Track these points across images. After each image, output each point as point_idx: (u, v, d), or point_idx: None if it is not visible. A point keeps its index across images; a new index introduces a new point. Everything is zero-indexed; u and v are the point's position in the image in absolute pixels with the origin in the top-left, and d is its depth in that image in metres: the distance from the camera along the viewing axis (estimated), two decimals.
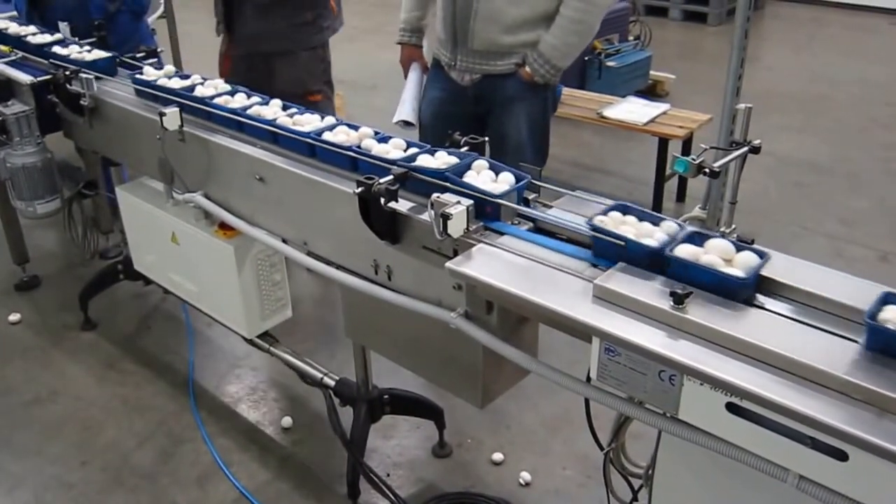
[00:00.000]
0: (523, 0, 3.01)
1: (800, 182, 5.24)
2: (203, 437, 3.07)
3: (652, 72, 6.71)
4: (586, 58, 6.28)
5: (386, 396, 2.80)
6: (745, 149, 1.69)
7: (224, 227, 2.70)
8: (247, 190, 2.46)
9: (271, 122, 2.38)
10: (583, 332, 1.58)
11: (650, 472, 1.80)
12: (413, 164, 2.03)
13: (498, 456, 2.95)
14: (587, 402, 1.95)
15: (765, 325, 1.47)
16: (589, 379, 1.66)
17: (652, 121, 4.73)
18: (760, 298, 1.56)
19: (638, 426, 1.78)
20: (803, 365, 1.35)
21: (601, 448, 1.97)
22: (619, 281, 1.59)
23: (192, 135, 2.56)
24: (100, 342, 3.69)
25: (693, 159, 1.62)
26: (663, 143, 4.63)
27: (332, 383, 2.83)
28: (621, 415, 1.89)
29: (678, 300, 1.48)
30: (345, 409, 2.78)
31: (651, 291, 1.55)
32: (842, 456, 1.29)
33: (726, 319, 1.47)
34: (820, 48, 8.40)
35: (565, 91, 5.20)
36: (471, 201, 1.84)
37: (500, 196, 1.87)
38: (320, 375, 2.86)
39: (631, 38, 6.80)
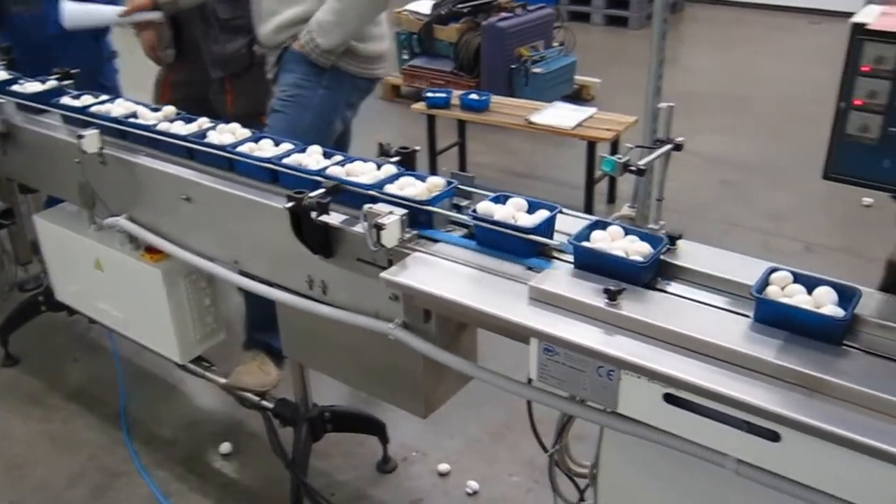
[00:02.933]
0: (285, 4, 2.95)
1: (726, 180, 5.36)
2: (138, 470, 2.98)
3: (577, 77, 6.82)
4: (513, 66, 6.35)
5: (327, 414, 2.75)
6: (669, 146, 1.72)
7: (151, 250, 2.63)
8: (173, 211, 2.41)
9: (193, 139, 2.33)
10: (521, 334, 1.58)
11: (595, 470, 1.81)
12: (343, 177, 2.02)
13: (444, 467, 2.93)
14: (529, 405, 1.95)
15: (690, 313, 1.51)
16: (530, 381, 1.66)
17: (579, 125, 4.79)
18: (679, 287, 1.62)
19: (581, 427, 1.79)
20: (735, 352, 1.38)
21: (545, 450, 1.97)
22: (554, 281, 1.60)
23: (114, 157, 2.50)
24: (22, 378, 3.54)
25: (619, 158, 1.64)
26: (591, 146, 4.69)
27: (271, 405, 2.78)
28: (564, 416, 1.90)
29: (612, 297, 1.50)
30: (286, 430, 2.74)
31: (585, 290, 1.56)
32: (774, 437, 1.31)
33: (657, 312, 1.49)
34: (740, 49, 8.62)
35: (494, 99, 5.26)
36: (404, 210, 1.83)
37: (432, 203, 1.87)
38: (258, 397, 2.81)
39: (556, 44, 6.89)
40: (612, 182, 4.97)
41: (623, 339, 1.46)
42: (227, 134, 2.37)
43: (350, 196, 1.97)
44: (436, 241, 1.86)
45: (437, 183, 1.97)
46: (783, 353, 1.37)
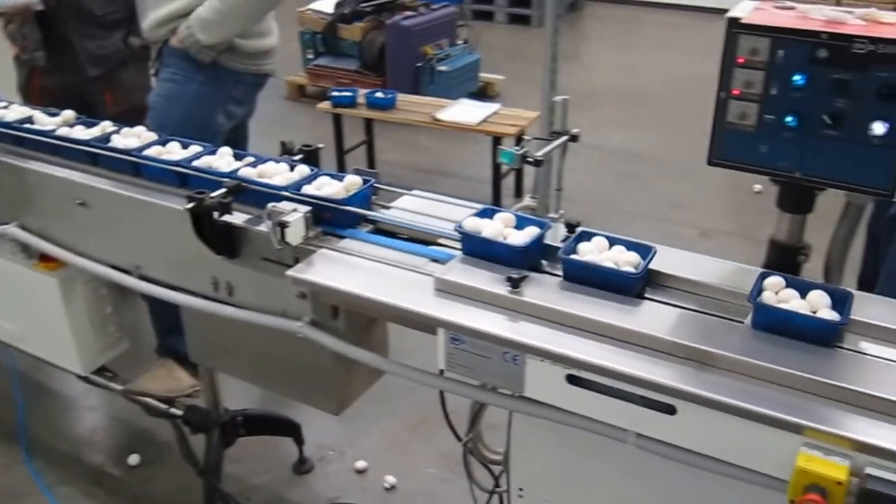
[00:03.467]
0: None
1: (628, 172, 5.53)
2: (41, 489, 2.88)
3: (482, 74, 6.91)
4: (418, 64, 6.39)
5: (239, 418, 2.72)
6: (565, 137, 1.78)
7: (45, 259, 2.52)
8: (68, 217, 2.33)
9: (96, 144, 2.28)
10: (428, 325, 1.61)
11: (507, 456, 1.85)
12: (245, 176, 2.01)
13: (361, 464, 2.95)
14: (442, 396, 1.98)
15: (591, 298, 1.57)
16: (442, 372, 1.70)
17: (484, 121, 4.87)
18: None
19: (496, 416, 1.83)
20: (629, 331, 1.45)
21: (459, 440, 2.01)
22: (458, 272, 1.64)
23: (1, 163, 2.42)
24: None
25: (517, 151, 1.69)
26: (496, 141, 4.78)
27: (180, 412, 2.73)
28: (476, 404, 1.94)
29: (514, 284, 1.55)
30: (198, 437, 2.70)
31: (488, 279, 1.60)
32: (671, 410, 1.38)
33: (558, 297, 1.55)
34: (638, 45, 8.87)
35: (400, 97, 5.29)
36: (308, 208, 1.84)
37: (339, 202, 1.88)
38: (165, 405, 2.76)
39: (460, 42, 6.96)
40: (519, 176, 5.06)
41: (527, 325, 1.51)
42: (132, 138, 2.33)
43: (261, 196, 1.96)
44: (342, 237, 1.87)
45: (354, 182, 1.98)
46: (675, 329, 1.45)
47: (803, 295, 1.51)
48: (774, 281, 1.54)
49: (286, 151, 2.17)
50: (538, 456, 1.74)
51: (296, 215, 1.79)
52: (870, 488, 1.22)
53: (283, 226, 1.77)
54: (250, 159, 2.13)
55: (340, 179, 1.99)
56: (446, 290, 1.61)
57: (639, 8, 10.35)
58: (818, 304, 1.49)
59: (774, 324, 1.46)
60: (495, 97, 6.78)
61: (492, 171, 4.82)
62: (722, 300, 1.58)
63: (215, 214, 1.88)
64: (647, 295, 1.60)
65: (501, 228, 1.70)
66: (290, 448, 2.95)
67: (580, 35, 9.88)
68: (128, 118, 2.50)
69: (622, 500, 1.66)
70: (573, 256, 1.62)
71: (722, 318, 1.52)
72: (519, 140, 4.74)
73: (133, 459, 3.01)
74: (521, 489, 1.81)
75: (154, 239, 2.19)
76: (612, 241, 1.68)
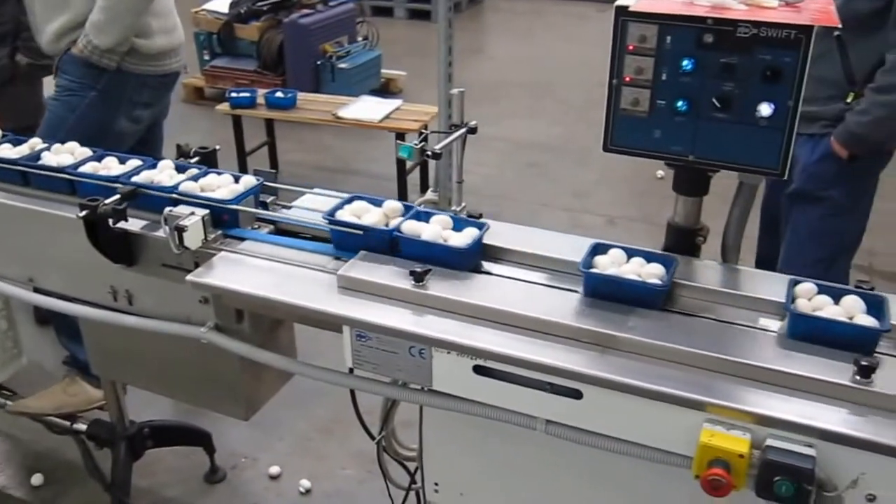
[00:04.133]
0: (56, 11, 2.88)
1: (534, 162, 5.59)
2: None
3: (384, 70, 6.88)
4: (318, 62, 6.32)
5: (146, 430, 2.65)
6: (463, 130, 1.78)
7: None
8: None
9: (25, 163, 2.12)
10: (333, 324, 1.59)
11: (420, 451, 1.85)
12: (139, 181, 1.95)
13: (275, 469, 2.90)
14: (353, 395, 1.96)
15: (495, 288, 1.58)
16: (352, 371, 1.68)
17: (387, 117, 4.86)
18: (487, 265, 1.67)
19: (410, 414, 1.82)
20: (534, 319, 1.46)
21: (373, 438, 2.00)
22: (361, 269, 1.62)
23: None
24: None
25: (415, 144, 1.68)
26: (400, 137, 4.76)
27: (84, 427, 2.64)
28: (387, 402, 1.93)
29: (418, 278, 1.54)
30: (104, 452, 2.61)
31: (392, 274, 1.59)
32: (577, 395, 1.40)
33: (463, 289, 1.55)
34: (540, 37, 8.97)
35: (301, 96, 5.22)
36: (206, 211, 1.79)
37: (234, 202, 1.84)
38: (67, 421, 2.66)
39: (360, 39, 6.92)
40: (424, 171, 5.06)
41: (432, 318, 1.51)
42: (64, 154, 2.18)
43: (153, 201, 1.90)
44: (243, 239, 1.83)
45: (250, 182, 1.94)
46: (579, 316, 1.46)
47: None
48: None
49: (182, 154, 2.11)
50: (451, 449, 1.74)
51: (193, 219, 1.74)
52: (770, 459, 1.26)
53: (180, 230, 1.72)
54: (194, 171, 2.02)
55: (237, 181, 1.95)
56: (350, 287, 1.60)
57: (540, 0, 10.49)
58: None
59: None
60: (398, 93, 6.77)
61: (396, 167, 4.81)
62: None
63: (110, 222, 1.82)
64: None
65: (440, 231, 1.68)
66: (202, 457, 2.88)
67: (483, 28, 9.95)
68: (19, 135, 2.39)
69: (536, 486, 1.67)
70: (593, 270, 1.57)
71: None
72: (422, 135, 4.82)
73: (36, 479, 2.89)
74: (436, 484, 1.81)
75: (47, 249, 2.10)
76: (630, 253, 1.64)
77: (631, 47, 1.56)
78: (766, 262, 3.17)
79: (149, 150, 2.96)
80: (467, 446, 1.69)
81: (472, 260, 1.66)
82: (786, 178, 1.57)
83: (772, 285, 1.59)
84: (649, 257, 1.63)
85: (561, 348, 1.42)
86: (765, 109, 1.52)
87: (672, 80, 1.55)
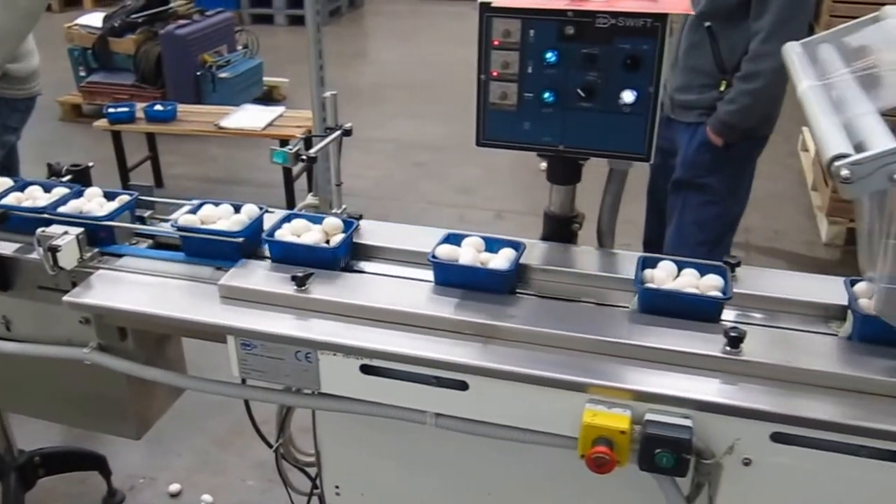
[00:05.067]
0: None
1: (420, 162, 5.62)
2: None
3: (266, 78, 6.79)
4: (198, 72, 6.19)
5: (37, 458, 2.56)
6: (338, 133, 1.78)
7: None
8: None
9: None
10: (217, 334, 1.57)
11: (319, 456, 1.84)
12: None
13: (174, 487, 2.83)
14: (247, 405, 1.94)
15: (376, 287, 1.59)
16: (244, 381, 1.66)
17: (270, 125, 4.80)
18: (367, 265, 1.70)
19: (307, 420, 1.81)
20: (416, 315, 1.48)
21: (270, 447, 1.98)
22: (242, 277, 1.61)
23: None
24: None
25: (290, 149, 1.67)
26: (284, 144, 4.68)
27: None
28: (282, 409, 1.91)
29: (300, 283, 1.54)
30: None
31: (273, 280, 1.58)
32: (463, 386, 1.42)
33: (345, 291, 1.55)
34: (421, 38, 9.01)
35: (181, 108, 5.10)
36: (80, 229, 1.74)
37: (108, 218, 1.80)
38: None
39: (240, 47, 6.81)
40: (310, 176, 5.01)
41: (316, 321, 1.51)
42: None
43: (24, 222, 1.83)
44: (120, 255, 1.79)
45: (125, 198, 1.89)
46: (460, 308, 1.49)
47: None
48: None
49: (53, 173, 2.05)
50: (347, 451, 1.75)
51: (67, 238, 1.69)
52: (650, 432, 1.31)
53: (54, 250, 1.67)
54: (64, 191, 1.93)
55: (113, 198, 1.90)
56: (231, 296, 1.58)
57: (419, 1, 10.53)
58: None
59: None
60: (282, 100, 6.70)
61: (283, 174, 4.76)
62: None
63: None
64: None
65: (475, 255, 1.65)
66: (98, 482, 2.79)
67: (364, 32, 9.94)
68: None
69: (435, 480, 1.69)
70: (649, 286, 1.54)
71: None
72: (307, 141, 4.78)
73: None
74: (336, 487, 1.81)
75: None
76: (681, 266, 1.61)
77: (496, 42, 1.60)
78: (653, 244, 3.28)
79: (8, 174, 2.86)
80: (363, 446, 1.70)
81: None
82: (651, 161, 1.62)
83: (631, 265, 1.64)
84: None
85: (445, 342, 1.44)
86: (627, 96, 1.57)
87: (538, 73, 1.59)
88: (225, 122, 4.87)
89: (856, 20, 1.61)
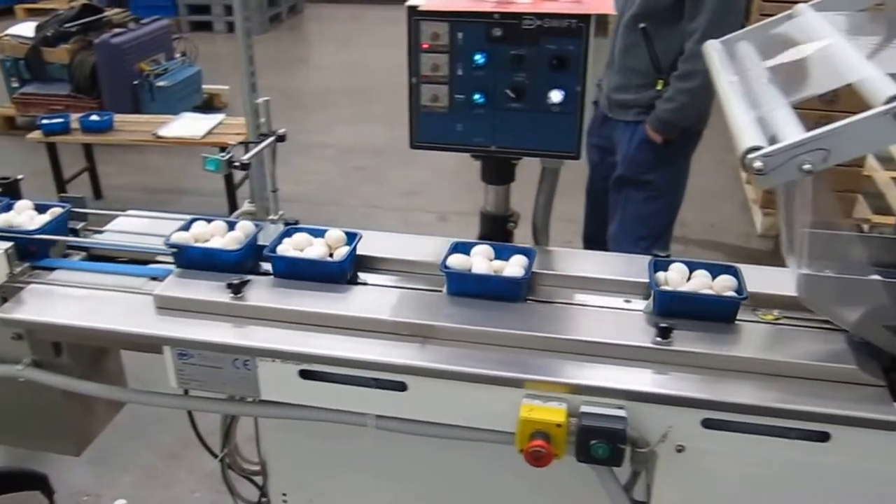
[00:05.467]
0: None
1: (362, 166, 5.62)
2: None
3: (206, 85, 6.72)
4: (135, 82, 6.11)
5: None
6: (272, 139, 1.77)
7: None
8: None
9: None
10: (153, 345, 1.56)
11: (264, 464, 1.84)
12: None
13: (120, 503, 2.79)
14: (191, 416, 1.93)
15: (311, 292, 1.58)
16: (187, 392, 1.64)
17: (209, 133, 4.76)
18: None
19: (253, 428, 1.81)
20: (353, 318, 1.49)
21: (216, 457, 1.96)
22: (177, 286, 1.60)
23: None
24: None
25: (223, 156, 1.67)
26: (236, 151, 4.67)
27: None
28: (226, 418, 1.90)
29: (236, 290, 1.53)
30: None
31: (209, 289, 1.57)
32: (402, 387, 1.43)
33: (281, 297, 1.55)
34: (361, 43, 9.00)
35: (118, 118, 5.02)
36: (9, 244, 1.71)
37: (39, 231, 1.77)
38: None
39: (178, 55, 6.73)
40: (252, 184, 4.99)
41: (253, 328, 1.51)
42: None
43: None
44: (53, 269, 1.76)
45: (56, 210, 1.86)
46: (397, 310, 1.50)
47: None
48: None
49: None
50: (292, 458, 1.74)
51: None
52: (585, 424, 1.34)
53: None
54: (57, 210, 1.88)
55: (44, 211, 1.87)
56: (167, 306, 1.57)
57: (358, 6, 10.52)
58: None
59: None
60: (223, 108, 6.64)
61: (224, 182, 4.72)
62: (424, 274, 1.65)
63: None
64: (360, 280, 1.65)
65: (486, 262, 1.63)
66: (41, 502, 2.73)
67: (305, 38, 9.90)
68: None
69: (382, 483, 1.70)
70: (665, 288, 1.53)
71: (432, 290, 1.60)
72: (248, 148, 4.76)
73: None
74: (284, 494, 1.81)
75: None
76: (692, 267, 1.59)
77: (425, 45, 1.61)
78: (592, 241, 3.33)
79: None
80: (308, 452, 1.70)
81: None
82: (580, 158, 1.65)
83: (571, 261, 1.69)
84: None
85: (382, 344, 1.45)
86: (556, 96, 1.60)
87: (467, 75, 1.61)
88: (163, 131, 4.81)
89: (772, 18, 1.67)
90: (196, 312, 1.55)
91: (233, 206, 4.72)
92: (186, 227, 1.72)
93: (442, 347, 1.44)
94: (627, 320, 1.50)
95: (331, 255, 1.66)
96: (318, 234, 1.69)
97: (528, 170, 1.80)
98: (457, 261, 1.59)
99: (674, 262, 1.60)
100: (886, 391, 1.32)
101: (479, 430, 1.45)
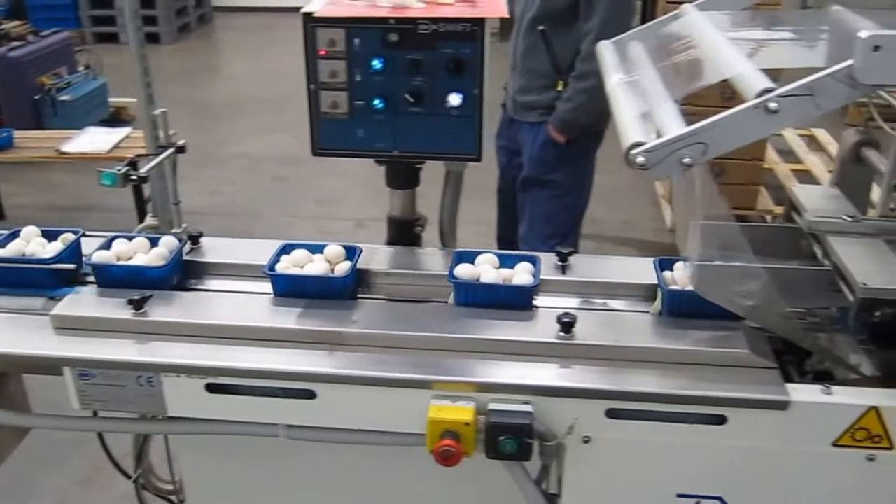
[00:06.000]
0: None
1: (278, 176, 5.56)
2: None
3: (113, 98, 6.55)
4: (37, 96, 5.93)
5: None
6: (171, 150, 1.75)
7: None
8: None
9: None
10: (54, 367, 1.51)
11: (180, 482, 1.81)
12: None
13: None
14: (101, 437, 1.88)
15: (216, 304, 1.58)
16: (96, 413, 1.60)
17: (116, 147, 4.63)
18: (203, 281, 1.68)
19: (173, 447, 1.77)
20: (259, 328, 1.48)
21: (130, 478, 1.92)
22: (76, 305, 1.56)
23: None
24: None
25: (118, 170, 1.64)
26: (134, 165, 4.55)
27: None
28: (138, 438, 1.86)
29: (137, 306, 1.50)
30: None
31: (109, 306, 1.54)
32: (311, 395, 1.43)
33: (185, 310, 1.53)
34: (275, 51, 8.90)
35: (18, 134, 4.86)
36: None
37: None
38: None
39: (81, 68, 6.54)
40: None
41: (156, 344, 1.48)
42: None
43: None
44: None
45: None
46: (302, 318, 1.49)
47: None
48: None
49: None
50: (207, 473, 1.72)
51: None
52: (493, 421, 1.35)
53: None
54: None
55: None
56: (66, 326, 1.52)
57: (270, 14, 10.40)
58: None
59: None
60: (131, 121, 6.48)
61: (133, 196, 4.60)
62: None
63: None
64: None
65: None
66: None
67: (216, 47, 9.75)
68: None
69: (300, 494, 1.69)
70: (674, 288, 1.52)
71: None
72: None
73: None
74: None
75: None
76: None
77: (322, 52, 1.61)
78: (505, 242, 3.37)
79: None
80: (223, 467, 1.68)
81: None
82: (481, 160, 1.67)
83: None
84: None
85: (289, 353, 1.44)
86: (454, 99, 1.62)
87: (366, 80, 1.62)
88: (67, 147, 4.67)
89: (660, 18, 1.72)
90: (96, 331, 1.51)
91: (142, 219, 4.62)
92: (107, 246, 1.68)
93: (349, 354, 1.44)
94: (533, 317, 1.52)
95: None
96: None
97: (437, 173, 1.82)
98: (465, 271, 1.59)
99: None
100: (778, 373, 1.37)
101: (390, 433, 1.45)
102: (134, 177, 1.61)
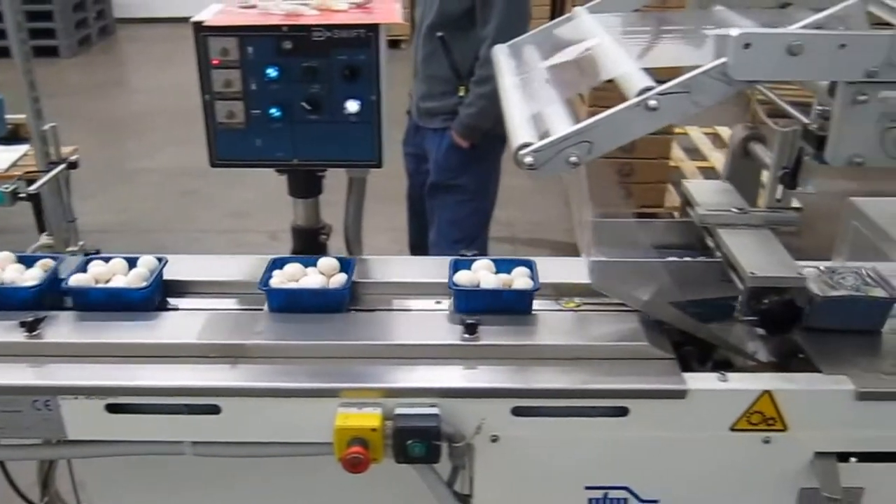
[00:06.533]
0: None
1: (188, 190, 5.45)
2: None
3: (9, 116, 6.31)
4: None
5: None
6: (62, 166, 1.70)
7: None
8: None
9: None
10: None
11: None
12: None
13: None
14: (3, 466, 1.81)
15: (110, 323, 1.53)
16: None
17: (14, 165, 4.45)
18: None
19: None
20: (158, 345, 1.45)
21: None
22: None
23: None
24: None
25: (6, 188, 1.58)
26: (30, 182, 4.42)
27: None
28: (43, 464, 1.80)
29: (31, 328, 1.46)
30: None
31: (1, 329, 1.48)
32: (216, 410, 1.40)
33: (81, 331, 1.49)
34: (181, 63, 8.67)
35: None
36: None
37: None
38: None
39: None
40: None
41: (52, 367, 1.43)
42: None
43: None
44: None
45: None
46: (204, 333, 1.47)
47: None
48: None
49: None
50: (115, 496, 1.67)
51: None
52: (400, 426, 1.36)
53: None
54: None
55: None
56: None
57: (174, 25, 10.18)
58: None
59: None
60: (30, 138, 6.28)
61: (34, 215, 4.45)
62: (240, 293, 1.63)
63: None
64: (169, 306, 1.60)
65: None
66: None
67: (120, 60, 9.51)
68: None
69: None
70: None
71: (245, 310, 1.58)
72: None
73: None
74: None
75: None
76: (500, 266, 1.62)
77: (216, 62, 1.60)
78: (418, 248, 3.38)
79: None
80: (131, 489, 1.63)
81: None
82: (382, 167, 1.67)
83: (388, 268, 1.71)
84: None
85: (191, 368, 1.41)
86: (352, 106, 1.62)
87: (261, 89, 1.60)
88: None
89: (555, 20, 1.75)
90: None
91: None
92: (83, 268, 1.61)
93: (254, 366, 1.43)
94: (438, 321, 1.54)
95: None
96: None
97: (343, 180, 1.81)
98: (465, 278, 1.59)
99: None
100: (676, 363, 1.41)
101: (299, 444, 1.44)
102: (23, 195, 1.55)
